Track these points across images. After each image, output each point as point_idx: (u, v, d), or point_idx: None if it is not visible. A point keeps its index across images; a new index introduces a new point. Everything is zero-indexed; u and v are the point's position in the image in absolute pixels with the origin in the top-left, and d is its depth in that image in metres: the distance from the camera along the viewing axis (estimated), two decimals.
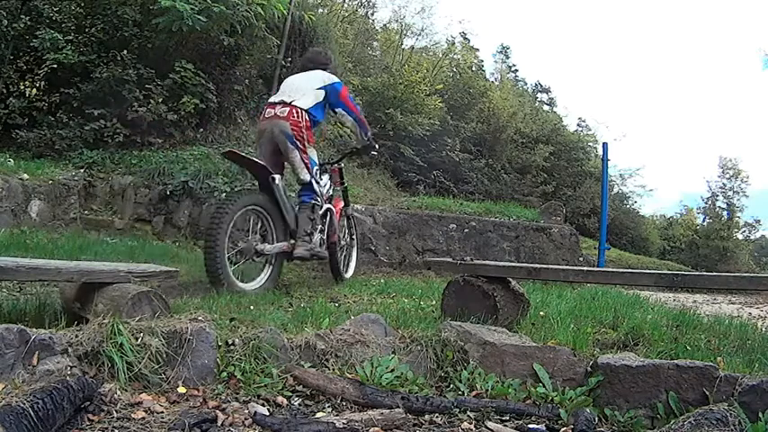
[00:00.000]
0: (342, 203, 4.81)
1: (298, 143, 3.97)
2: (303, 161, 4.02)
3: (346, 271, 4.92)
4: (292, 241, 4.03)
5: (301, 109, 3.97)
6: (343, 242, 4.88)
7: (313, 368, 2.24)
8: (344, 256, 4.95)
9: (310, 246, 4.03)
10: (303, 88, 4.09)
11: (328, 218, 4.35)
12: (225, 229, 3.53)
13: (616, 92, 52.69)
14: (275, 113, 3.98)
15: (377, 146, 4.82)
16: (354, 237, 5.16)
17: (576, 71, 48.05)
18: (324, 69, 4.30)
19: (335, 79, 4.25)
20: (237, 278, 3.68)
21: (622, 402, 2.08)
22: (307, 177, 4.07)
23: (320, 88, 4.11)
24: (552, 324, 2.89)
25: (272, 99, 4.17)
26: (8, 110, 6.91)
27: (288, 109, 3.95)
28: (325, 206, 4.32)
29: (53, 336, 1.93)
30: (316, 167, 4.16)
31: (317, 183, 4.18)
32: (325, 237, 4.28)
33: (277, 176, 3.95)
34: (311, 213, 4.09)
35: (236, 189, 6.40)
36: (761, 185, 47.73)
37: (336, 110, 4.26)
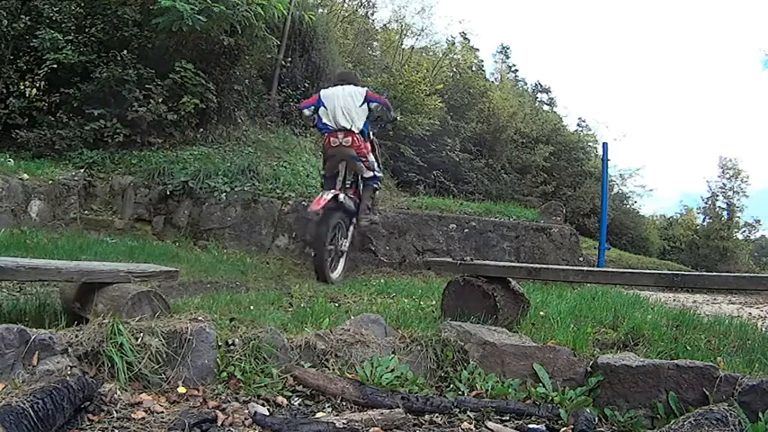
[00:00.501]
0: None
1: (362, 159, 5.32)
2: (365, 166, 5.38)
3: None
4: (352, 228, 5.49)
5: (359, 133, 5.24)
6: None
7: (313, 368, 2.24)
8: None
9: (369, 217, 5.52)
10: (352, 110, 5.24)
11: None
12: (330, 238, 4.99)
13: (616, 92, 52.72)
14: (340, 143, 5.21)
15: (398, 117, 6.59)
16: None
17: (576, 71, 48.09)
18: (356, 85, 5.45)
19: (365, 90, 5.41)
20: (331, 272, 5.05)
21: (622, 402, 2.08)
22: (369, 174, 5.45)
23: (362, 104, 5.28)
24: (552, 324, 2.89)
25: (330, 125, 5.26)
26: (8, 110, 6.90)
27: (350, 138, 5.18)
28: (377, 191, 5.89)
29: (53, 336, 1.93)
30: (375, 164, 5.52)
31: (378, 174, 5.62)
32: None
33: (341, 195, 5.14)
34: (373, 194, 5.64)
35: (236, 189, 6.41)
36: (761, 185, 47.74)
37: (371, 105, 5.37)
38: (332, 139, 5.23)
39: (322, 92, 5.46)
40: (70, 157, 6.72)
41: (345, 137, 5.17)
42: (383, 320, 2.56)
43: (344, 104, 5.24)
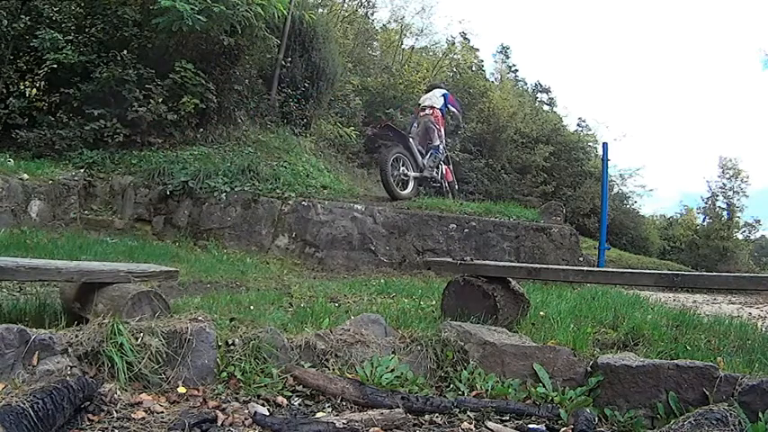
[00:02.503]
0: (451, 175, 8.16)
1: (436, 126, 7.45)
2: (438, 135, 7.47)
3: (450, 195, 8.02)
4: (419, 171, 7.22)
5: (436, 107, 7.51)
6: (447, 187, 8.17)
7: (313, 368, 2.24)
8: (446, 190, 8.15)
9: (432, 174, 7.41)
10: (434, 99, 7.62)
11: (441, 168, 7.74)
12: (390, 162, 6.71)
13: (616, 92, 52.68)
14: (425, 113, 7.51)
15: (464, 125, 9.87)
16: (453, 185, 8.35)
17: (576, 71, 48.04)
18: (440, 88, 8.05)
19: (446, 91, 7.96)
20: (399, 189, 6.85)
21: (622, 402, 2.08)
22: (437, 142, 7.45)
23: (441, 96, 7.68)
24: (552, 324, 2.89)
25: (421, 103, 7.82)
26: (8, 110, 6.91)
27: (431, 110, 7.48)
28: (443, 165, 7.80)
29: (53, 336, 1.93)
30: (443, 138, 7.64)
31: (443, 146, 7.60)
32: (438, 176, 7.63)
33: (411, 138, 7.23)
34: (436, 158, 7.50)
35: (235, 189, 6.41)
36: (761, 185, 47.75)
37: (448, 107, 7.74)
38: (420, 111, 7.67)
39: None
40: (70, 157, 6.72)
41: (429, 110, 7.48)
42: (383, 320, 2.56)
43: (430, 97, 7.71)
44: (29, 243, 4.61)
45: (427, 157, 7.41)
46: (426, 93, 8.13)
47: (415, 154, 7.21)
